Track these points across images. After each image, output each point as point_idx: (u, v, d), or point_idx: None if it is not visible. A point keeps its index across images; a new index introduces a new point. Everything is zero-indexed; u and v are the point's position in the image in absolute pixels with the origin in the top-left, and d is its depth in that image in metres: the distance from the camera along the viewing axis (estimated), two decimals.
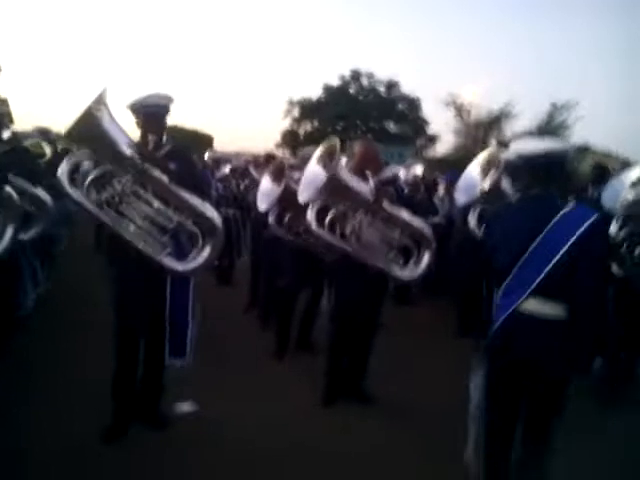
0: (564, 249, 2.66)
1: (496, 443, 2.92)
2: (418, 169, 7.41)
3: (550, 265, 2.68)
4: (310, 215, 4.17)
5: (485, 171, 4.88)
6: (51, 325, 5.53)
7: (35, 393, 4.13)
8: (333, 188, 4.03)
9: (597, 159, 7.51)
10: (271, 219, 5.22)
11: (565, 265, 2.67)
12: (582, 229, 2.67)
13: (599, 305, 2.74)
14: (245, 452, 3.64)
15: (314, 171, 4.12)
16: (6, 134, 5.33)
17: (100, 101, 3.10)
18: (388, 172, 5.59)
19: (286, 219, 5.15)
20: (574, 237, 2.66)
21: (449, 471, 3.04)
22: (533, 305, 2.75)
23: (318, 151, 4.21)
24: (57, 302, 6.24)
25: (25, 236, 4.20)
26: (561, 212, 2.75)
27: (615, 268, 4.47)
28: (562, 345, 2.70)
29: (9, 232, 3.36)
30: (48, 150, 6.39)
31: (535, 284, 2.71)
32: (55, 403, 4.00)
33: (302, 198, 4.13)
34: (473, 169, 5.08)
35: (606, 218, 4.27)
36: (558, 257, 2.67)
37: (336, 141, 4.14)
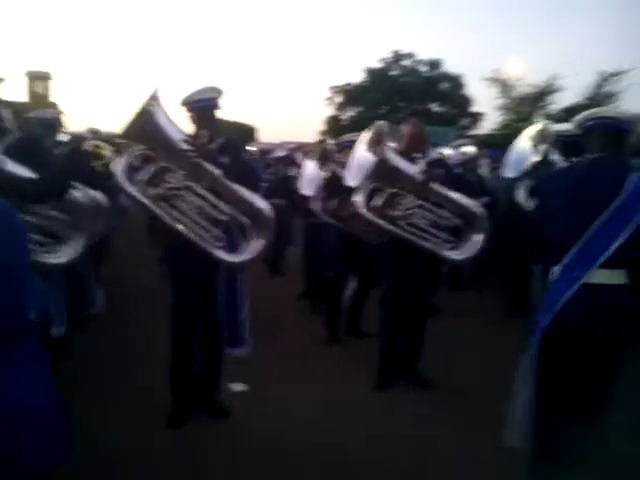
0: (637, 219, 2.60)
1: (550, 414, 2.86)
2: (468, 148, 7.27)
3: (626, 235, 2.60)
4: (359, 199, 4.18)
5: (535, 144, 4.78)
6: (109, 323, 5.64)
7: (97, 389, 4.21)
8: (382, 171, 4.06)
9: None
10: (315, 205, 5.23)
11: (635, 235, 2.60)
12: None
13: None
14: (298, 434, 3.69)
15: (363, 155, 4.14)
16: (63, 137, 5.47)
17: (154, 98, 3.21)
18: (435, 153, 5.55)
19: (331, 204, 5.16)
20: None
21: (506, 451, 3.02)
22: (601, 276, 2.66)
23: (366, 135, 4.23)
24: (114, 301, 6.37)
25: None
26: (633, 179, 2.66)
27: None
28: (623, 309, 2.69)
29: (81, 240, 3.43)
30: (108, 153, 6.50)
31: (609, 254, 2.61)
32: (117, 398, 4.09)
33: (352, 182, 4.16)
34: (522, 143, 4.98)
35: None
36: (632, 228, 2.60)
37: (384, 124, 4.15)
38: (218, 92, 3.64)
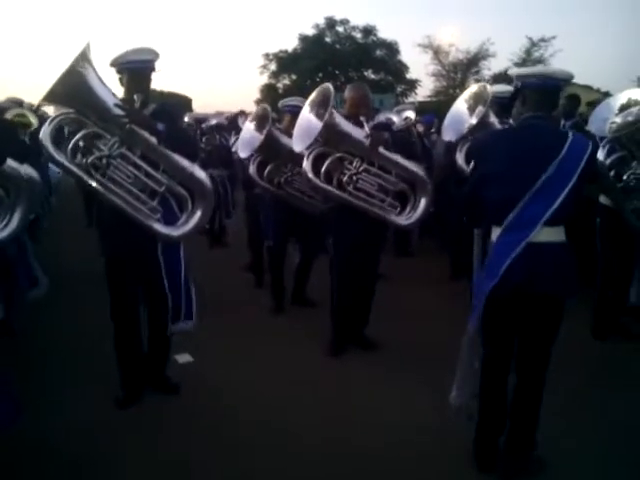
0: (575, 177, 2.62)
1: (494, 375, 2.91)
2: (410, 113, 7.26)
3: (565, 193, 2.62)
4: (306, 165, 4.06)
5: (472, 107, 4.78)
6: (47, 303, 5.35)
7: (42, 370, 4.08)
8: (329, 136, 3.96)
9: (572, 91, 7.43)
10: (252, 168, 5.10)
11: (572, 192, 2.63)
12: (587, 156, 2.66)
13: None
14: (250, 402, 3.65)
15: (308, 119, 4.02)
16: None
17: (84, 57, 2.94)
18: (381, 117, 5.48)
19: (267, 168, 5.04)
20: (582, 164, 2.64)
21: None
22: (544, 234, 2.67)
23: (311, 98, 4.10)
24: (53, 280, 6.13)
25: None
26: (568, 139, 2.67)
27: (603, 198, 4.42)
28: (565, 266, 2.73)
29: (19, 214, 3.20)
30: (34, 120, 6.12)
31: (550, 213, 2.62)
32: (62, 380, 3.95)
33: (297, 148, 4.05)
34: (459, 106, 4.97)
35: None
36: (571, 185, 2.62)
37: (329, 87, 4.01)
38: (154, 54, 3.37)
